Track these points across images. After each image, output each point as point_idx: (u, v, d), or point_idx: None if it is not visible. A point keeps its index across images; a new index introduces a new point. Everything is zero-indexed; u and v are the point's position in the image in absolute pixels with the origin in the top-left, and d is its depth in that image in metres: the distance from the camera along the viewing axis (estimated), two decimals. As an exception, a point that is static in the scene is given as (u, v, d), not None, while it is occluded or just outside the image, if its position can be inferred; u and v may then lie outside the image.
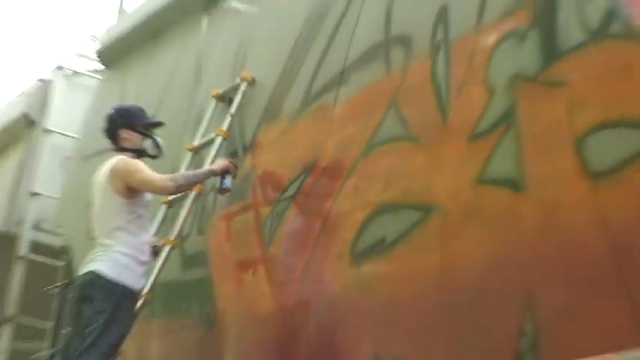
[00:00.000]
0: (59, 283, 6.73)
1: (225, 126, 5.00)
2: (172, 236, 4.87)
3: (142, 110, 4.82)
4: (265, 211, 4.90)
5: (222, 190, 4.73)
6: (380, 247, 4.01)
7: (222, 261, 5.24)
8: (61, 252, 6.83)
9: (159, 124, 4.83)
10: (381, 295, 4.06)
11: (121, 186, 4.32)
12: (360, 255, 4.13)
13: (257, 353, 4.90)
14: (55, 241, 6.90)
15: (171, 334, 5.49)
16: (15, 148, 7.71)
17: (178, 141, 5.46)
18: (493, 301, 3.58)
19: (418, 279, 3.81)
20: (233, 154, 5.07)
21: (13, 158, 7.68)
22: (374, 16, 4.48)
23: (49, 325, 6.94)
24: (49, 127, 7.22)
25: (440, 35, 3.91)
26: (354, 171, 4.28)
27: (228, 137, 5.04)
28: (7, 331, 6.98)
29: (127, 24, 7.11)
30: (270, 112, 5.04)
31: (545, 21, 3.66)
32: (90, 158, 6.12)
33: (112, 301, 4.23)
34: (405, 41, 4.24)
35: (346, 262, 4.24)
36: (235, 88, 5.13)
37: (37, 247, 7.07)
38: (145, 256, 4.52)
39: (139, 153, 4.54)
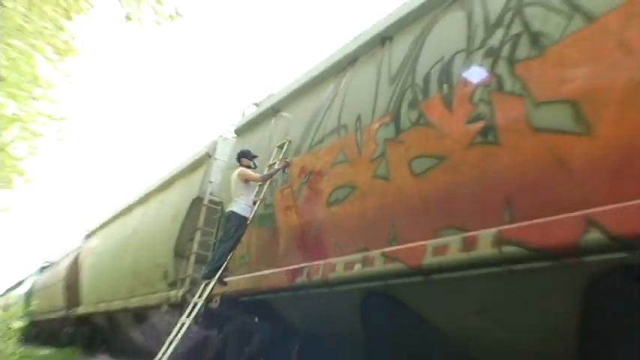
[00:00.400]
0: (218, 215, 6.70)
1: (280, 156, 5.42)
2: (260, 195, 5.42)
3: (249, 151, 5.59)
4: (295, 186, 5.16)
5: (284, 175, 5.27)
6: (336, 201, 4.47)
7: (279, 205, 5.34)
8: (219, 203, 6.76)
9: (255, 156, 5.57)
10: (338, 219, 4.42)
11: (242, 178, 5.29)
12: (329, 204, 4.54)
13: (291, 241, 5.07)
14: (217, 199, 6.88)
15: (260, 234, 5.53)
16: (201, 167, 7.63)
17: (263, 163, 5.66)
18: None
19: (351, 213, 4.26)
20: (287, 165, 5.27)
21: (199, 171, 7.64)
22: (334, 114, 4.83)
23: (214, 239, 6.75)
24: (216, 157, 7.34)
25: (358, 125, 4.38)
26: (327, 174, 4.67)
27: (281, 161, 5.37)
28: (198, 237, 6.88)
29: (241, 120, 7.03)
30: (296, 151, 5.28)
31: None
32: (230, 168, 6.11)
33: (237, 224, 5.20)
34: (345, 127, 4.60)
35: (324, 206, 4.61)
36: (284, 143, 5.47)
37: (211, 201, 7.04)
38: (250, 205, 5.27)
39: (248, 166, 5.43)
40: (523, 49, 2.94)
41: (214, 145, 7.36)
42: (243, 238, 5.33)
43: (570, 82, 2.65)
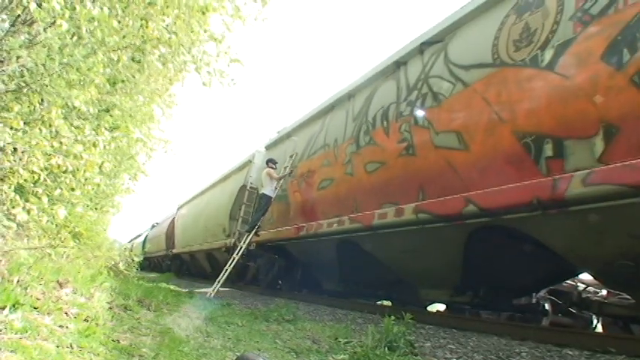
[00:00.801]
0: (255, 195, 6.19)
1: (290, 163, 5.06)
2: (278, 185, 5.06)
3: (273, 159, 5.29)
4: (300, 179, 4.81)
5: (291, 174, 4.95)
6: (323, 187, 4.26)
7: (290, 190, 5.00)
8: (255, 189, 6.28)
9: (276, 162, 5.24)
10: (323, 198, 4.21)
11: (268, 175, 5.07)
12: (319, 189, 4.31)
13: (297, 211, 4.77)
14: (255, 186, 6.36)
15: (279, 207, 5.17)
16: (245, 168, 7.00)
17: (281, 165, 5.31)
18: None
19: (331, 195, 4.09)
20: (293, 169, 4.95)
21: (244, 170, 7.01)
22: (321, 138, 4.55)
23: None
24: (254, 162, 6.71)
25: (335, 144, 4.17)
26: (318, 172, 4.41)
27: (288, 167, 5.03)
28: (243, 208, 6.36)
29: (269, 141, 6.40)
30: (300, 159, 4.94)
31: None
32: (262, 169, 5.57)
33: (265, 200, 5.06)
34: (328, 145, 4.35)
35: (316, 190, 4.36)
36: (293, 154, 5.10)
37: (251, 187, 6.53)
38: (273, 190, 5.01)
39: (272, 168, 5.16)
40: (429, 102, 2.97)
41: (253, 155, 6.99)
42: (269, 209, 5.20)
43: (456, 121, 2.69)
